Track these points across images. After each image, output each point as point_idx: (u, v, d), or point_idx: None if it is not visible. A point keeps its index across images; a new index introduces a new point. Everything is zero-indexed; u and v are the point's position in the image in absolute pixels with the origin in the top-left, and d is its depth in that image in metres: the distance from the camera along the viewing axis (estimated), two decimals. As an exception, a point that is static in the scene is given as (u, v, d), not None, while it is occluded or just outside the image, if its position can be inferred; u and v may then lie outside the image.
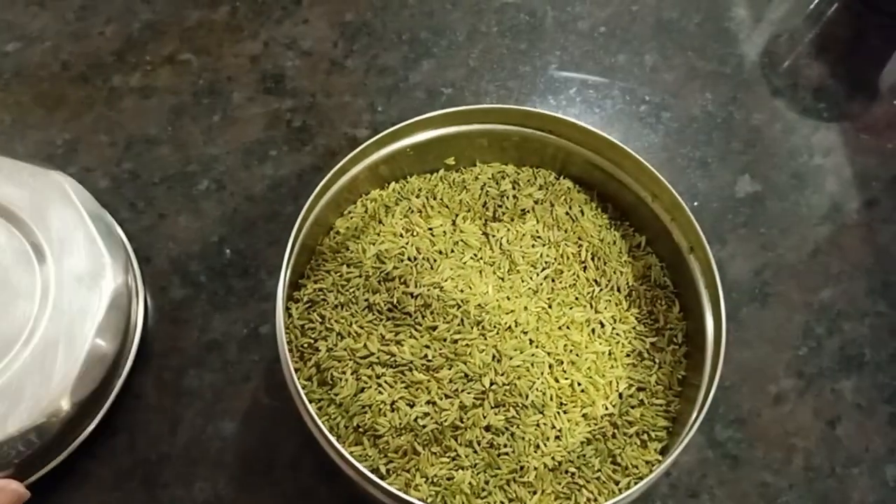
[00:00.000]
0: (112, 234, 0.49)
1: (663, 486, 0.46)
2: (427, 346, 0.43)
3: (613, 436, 0.43)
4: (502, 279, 0.46)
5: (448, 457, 0.41)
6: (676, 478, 0.47)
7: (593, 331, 0.45)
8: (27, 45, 0.59)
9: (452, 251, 0.47)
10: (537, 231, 0.48)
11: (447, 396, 0.42)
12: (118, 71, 0.58)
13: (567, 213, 0.49)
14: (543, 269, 0.47)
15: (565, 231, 0.48)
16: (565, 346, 0.44)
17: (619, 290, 0.47)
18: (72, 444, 0.46)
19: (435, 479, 0.40)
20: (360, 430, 0.41)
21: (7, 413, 0.43)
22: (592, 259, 0.47)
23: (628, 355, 0.45)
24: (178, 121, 0.57)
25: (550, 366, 0.43)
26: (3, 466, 0.44)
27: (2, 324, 0.45)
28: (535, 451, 0.41)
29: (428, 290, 0.44)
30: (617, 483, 0.42)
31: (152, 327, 0.50)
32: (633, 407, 0.43)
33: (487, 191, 0.50)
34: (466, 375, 0.42)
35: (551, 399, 0.42)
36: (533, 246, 0.47)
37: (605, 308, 0.46)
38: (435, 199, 0.49)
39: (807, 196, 0.56)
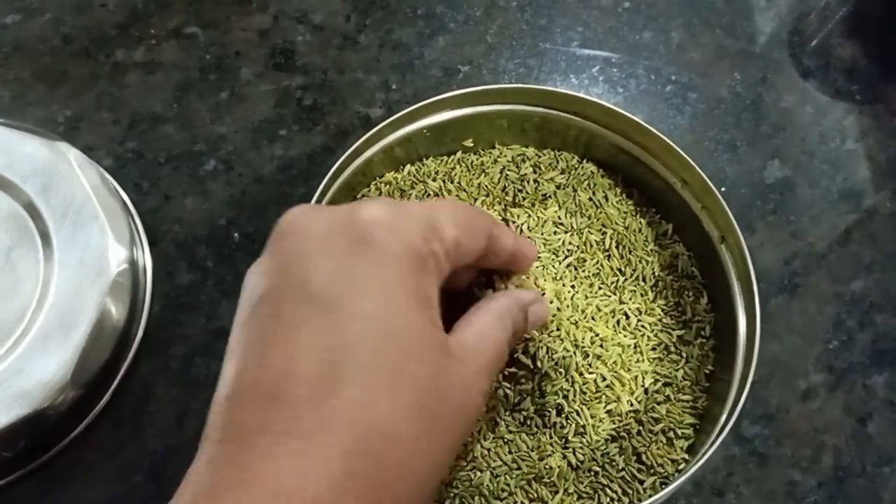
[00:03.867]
0: (118, 208, 0.47)
1: (688, 485, 0.45)
2: (444, 338, 0.41)
3: (638, 433, 0.41)
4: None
5: (466, 458, 0.39)
6: (701, 476, 0.45)
7: (618, 322, 0.43)
8: (27, 18, 0.57)
9: (471, 238, 0.45)
10: (559, 217, 0.46)
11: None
12: (122, 45, 0.56)
13: (590, 199, 0.47)
14: (566, 257, 0.45)
15: (588, 217, 0.46)
16: (591, 339, 0.42)
17: (644, 280, 0.45)
18: (75, 430, 0.45)
19: (453, 482, 0.38)
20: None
21: (7, 399, 0.41)
22: (617, 247, 0.45)
23: (654, 349, 0.43)
24: (185, 98, 0.54)
25: (576, 362, 0.41)
26: (7, 452, 0.43)
27: (3, 307, 0.44)
28: (558, 450, 0.40)
29: (445, 279, 0.42)
30: (642, 483, 0.40)
31: (158, 313, 0.48)
32: (658, 403, 0.42)
33: (507, 174, 0.47)
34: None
35: (575, 395, 0.40)
36: (555, 233, 0.45)
37: (631, 299, 0.44)
38: (452, 182, 0.47)
39: (838, 182, 0.54)
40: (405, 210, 0.26)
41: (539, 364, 0.40)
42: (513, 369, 0.40)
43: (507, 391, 0.40)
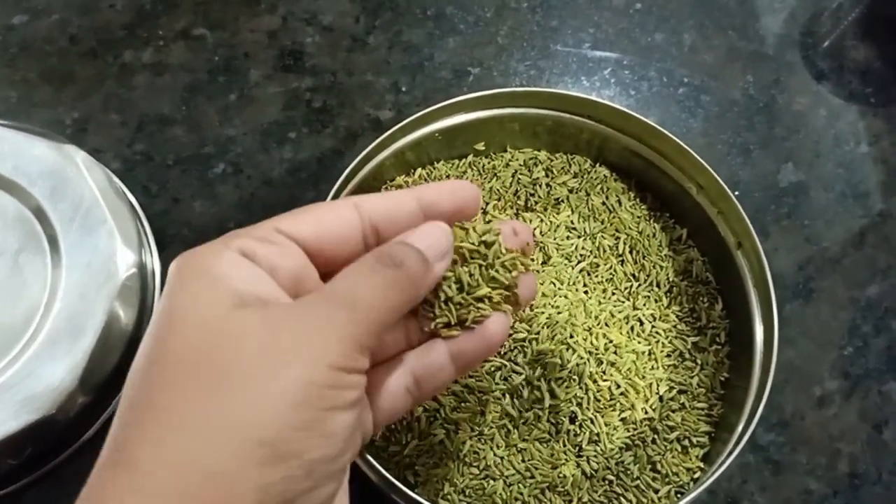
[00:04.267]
0: (126, 211, 0.47)
1: (702, 493, 0.44)
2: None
3: (653, 441, 0.40)
4: (536, 273, 0.44)
5: (478, 466, 0.39)
6: (716, 484, 0.44)
7: (632, 329, 0.43)
8: (34, 18, 0.56)
9: (483, 243, 0.45)
10: (572, 222, 0.45)
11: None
12: (129, 46, 0.56)
13: (604, 203, 0.46)
14: (579, 262, 0.44)
15: (602, 222, 0.46)
16: (605, 345, 0.41)
17: (658, 285, 0.44)
18: (84, 436, 0.45)
19: (466, 490, 0.38)
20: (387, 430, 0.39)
21: (15, 405, 0.41)
22: (631, 252, 0.45)
23: (669, 355, 0.43)
24: (193, 100, 0.54)
25: (590, 369, 0.41)
26: (15, 458, 0.43)
27: (11, 311, 0.43)
28: (571, 458, 0.39)
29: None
30: (657, 492, 0.39)
31: (166, 318, 0.47)
32: (673, 411, 0.41)
33: (519, 178, 0.47)
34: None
35: (589, 403, 0.40)
36: (567, 238, 0.45)
37: (645, 305, 0.43)
38: (464, 186, 0.47)
39: (853, 185, 0.53)
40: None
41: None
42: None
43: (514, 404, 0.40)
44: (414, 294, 0.26)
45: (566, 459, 0.39)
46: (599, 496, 0.39)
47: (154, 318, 0.24)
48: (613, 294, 0.44)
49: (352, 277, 0.25)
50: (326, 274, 0.27)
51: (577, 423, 0.40)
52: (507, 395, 0.40)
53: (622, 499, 0.39)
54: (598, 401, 0.40)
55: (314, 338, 0.23)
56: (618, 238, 0.45)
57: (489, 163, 0.48)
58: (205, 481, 0.20)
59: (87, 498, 0.22)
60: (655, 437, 0.40)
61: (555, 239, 0.45)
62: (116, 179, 0.50)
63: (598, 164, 0.48)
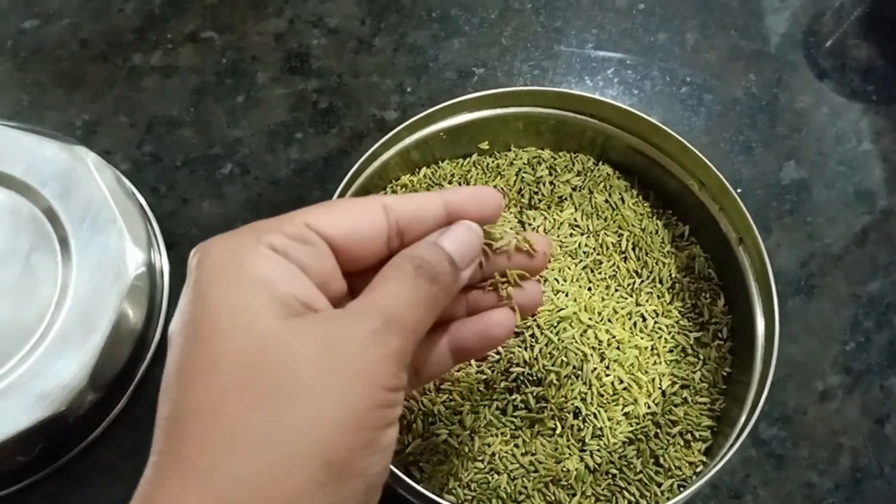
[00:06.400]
0: (136, 211, 0.48)
1: (705, 487, 0.45)
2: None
3: (656, 435, 0.41)
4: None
5: (483, 461, 0.39)
6: (718, 478, 0.45)
7: (635, 325, 0.43)
8: (45, 23, 0.57)
9: (487, 240, 0.45)
10: (575, 219, 0.46)
11: (483, 394, 0.40)
12: (139, 49, 0.57)
13: (606, 201, 0.47)
14: (582, 259, 0.45)
15: (605, 220, 0.46)
16: (608, 341, 0.42)
17: (661, 282, 0.45)
18: (93, 432, 0.45)
19: (469, 485, 0.38)
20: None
21: (27, 401, 0.42)
22: (633, 249, 0.45)
23: (671, 351, 0.43)
24: (201, 101, 0.55)
25: (593, 365, 0.41)
26: (26, 454, 0.43)
27: (23, 310, 0.44)
28: (575, 452, 0.40)
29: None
30: (659, 485, 0.40)
31: (175, 316, 0.48)
32: (676, 405, 0.42)
33: (523, 177, 0.47)
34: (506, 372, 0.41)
35: (592, 398, 0.40)
36: (571, 235, 0.45)
37: (647, 301, 0.44)
38: (468, 184, 0.47)
39: (855, 183, 0.54)
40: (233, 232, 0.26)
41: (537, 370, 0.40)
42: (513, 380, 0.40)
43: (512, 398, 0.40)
44: (445, 305, 0.26)
45: (570, 454, 0.40)
46: (603, 490, 0.39)
47: (187, 317, 0.23)
48: (616, 290, 0.44)
49: (394, 292, 0.24)
50: (346, 273, 0.27)
51: (580, 418, 0.40)
52: (511, 391, 0.40)
53: (625, 492, 0.39)
54: (602, 396, 0.41)
55: (369, 359, 0.22)
56: (620, 235, 0.46)
57: (493, 161, 0.48)
58: (272, 499, 0.20)
59: None
60: (658, 431, 0.41)
61: (558, 236, 0.45)
62: (126, 180, 0.51)
63: (601, 163, 0.48)
